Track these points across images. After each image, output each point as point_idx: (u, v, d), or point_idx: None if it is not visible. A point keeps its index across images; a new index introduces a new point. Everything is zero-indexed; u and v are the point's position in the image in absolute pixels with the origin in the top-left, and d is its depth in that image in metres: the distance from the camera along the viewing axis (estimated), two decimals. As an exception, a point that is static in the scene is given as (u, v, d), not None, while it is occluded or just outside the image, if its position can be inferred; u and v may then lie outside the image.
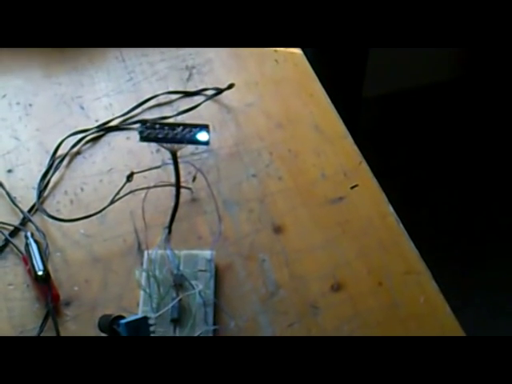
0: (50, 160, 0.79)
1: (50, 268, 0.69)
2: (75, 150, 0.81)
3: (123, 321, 0.62)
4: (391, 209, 0.76)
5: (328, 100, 0.86)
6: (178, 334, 0.66)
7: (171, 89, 0.86)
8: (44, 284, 0.68)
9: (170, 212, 0.69)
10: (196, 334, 0.66)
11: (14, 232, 0.74)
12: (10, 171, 0.79)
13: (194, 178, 0.77)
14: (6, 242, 0.73)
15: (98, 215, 0.74)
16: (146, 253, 0.71)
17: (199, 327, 0.67)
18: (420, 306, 0.70)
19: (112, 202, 0.74)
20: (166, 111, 0.84)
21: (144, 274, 0.69)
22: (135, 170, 0.74)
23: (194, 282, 0.68)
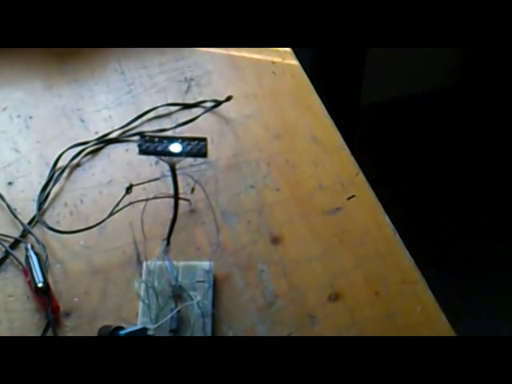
0: (50, 172, 0.80)
1: (49, 279, 0.70)
2: (75, 162, 0.81)
3: (122, 332, 0.63)
4: (388, 219, 0.77)
5: (325, 111, 0.86)
6: (176, 345, 0.67)
7: (170, 101, 0.87)
8: (44, 295, 0.68)
9: (168, 223, 0.69)
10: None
11: (14, 244, 0.74)
12: (10, 183, 0.80)
13: (193, 190, 0.77)
14: (7, 254, 0.73)
15: (98, 227, 0.74)
16: (144, 264, 0.72)
17: (198, 338, 0.67)
18: (416, 316, 0.70)
19: (111, 213, 0.75)
20: (165, 123, 0.84)
21: (143, 285, 0.70)
22: (134, 182, 0.74)
23: (192, 293, 0.69)
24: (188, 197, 0.77)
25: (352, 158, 0.82)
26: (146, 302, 0.69)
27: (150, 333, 0.65)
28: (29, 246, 0.72)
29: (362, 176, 0.80)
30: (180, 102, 0.87)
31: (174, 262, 0.71)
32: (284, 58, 0.91)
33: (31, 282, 0.69)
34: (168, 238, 0.70)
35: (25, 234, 0.75)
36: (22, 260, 0.72)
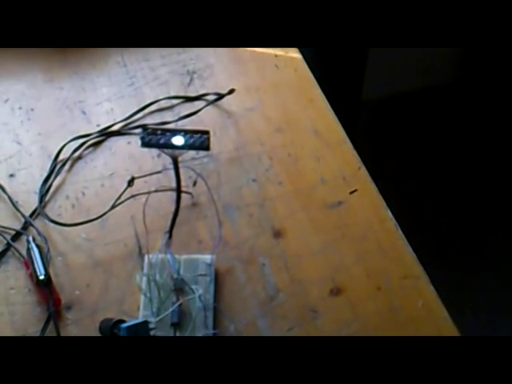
0: (52, 164, 0.80)
1: (51, 272, 0.70)
2: (77, 154, 0.81)
3: (124, 325, 0.63)
4: (390, 213, 0.77)
5: (327, 105, 0.86)
6: (178, 338, 0.67)
7: (172, 94, 0.86)
8: (45, 288, 0.68)
9: (170, 216, 0.69)
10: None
11: (16, 236, 0.74)
12: (12, 175, 0.80)
13: (195, 183, 0.77)
14: (8, 247, 0.73)
15: (99, 219, 0.74)
16: (146, 257, 0.72)
17: (199, 331, 0.67)
18: (418, 310, 0.70)
19: (113, 206, 0.74)
20: (167, 116, 0.84)
21: (144, 279, 0.70)
22: (136, 175, 0.74)
23: (194, 287, 0.69)
24: (190, 190, 0.77)
25: (354, 152, 0.82)
26: (148, 295, 0.68)
27: (151, 326, 0.65)
28: (30, 239, 0.72)
29: (364, 170, 0.80)
30: (182, 94, 0.86)
31: (176, 256, 0.71)
32: (287, 51, 0.91)
33: (32, 274, 0.69)
34: (170, 232, 0.70)
35: (26, 226, 0.75)
36: (24, 252, 0.72)
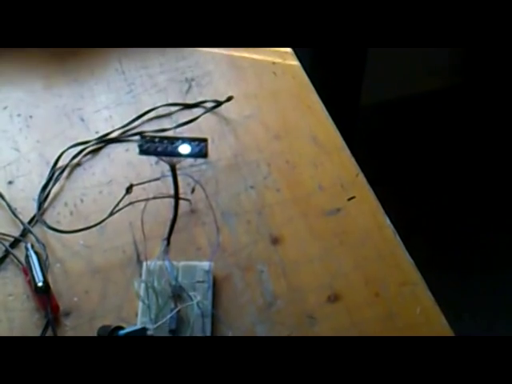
0: (51, 171, 0.80)
1: (49, 279, 0.70)
2: (75, 161, 0.81)
3: (122, 331, 0.63)
4: (388, 220, 0.77)
5: (325, 112, 0.86)
6: (176, 345, 0.67)
7: (170, 101, 0.87)
8: (44, 295, 0.68)
9: (168, 223, 0.69)
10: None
11: (15, 243, 0.74)
12: (10, 182, 0.80)
13: (193, 190, 0.77)
14: (7, 253, 0.74)
15: (98, 226, 0.74)
16: (144, 264, 0.72)
17: (197, 338, 0.67)
18: (416, 317, 0.70)
19: (111, 213, 0.75)
20: (165, 123, 0.84)
21: (143, 285, 0.70)
22: (134, 182, 0.74)
23: (192, 293, 0.69)
24: (188, 197, 0.77)
25: (352, 159, 0.82)
26: (146, 302, 0.69)
27: (149, 333, 0.65)
28: (29, 246, 0.72)
29: (362, 177, 0.80)
30: (180, 102, 0.87)
31: (174, 262, 0.71)
32: (284, 58, 0.92)
33: (31, 281, 0.69)
34: (168, 238, 0.70)
35: (25, 233, 0.75)
36: (22, 259, 0.72)
